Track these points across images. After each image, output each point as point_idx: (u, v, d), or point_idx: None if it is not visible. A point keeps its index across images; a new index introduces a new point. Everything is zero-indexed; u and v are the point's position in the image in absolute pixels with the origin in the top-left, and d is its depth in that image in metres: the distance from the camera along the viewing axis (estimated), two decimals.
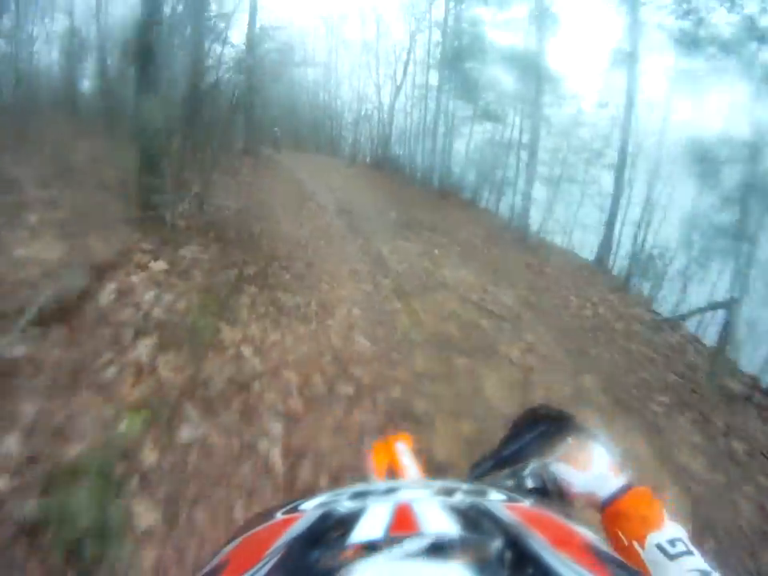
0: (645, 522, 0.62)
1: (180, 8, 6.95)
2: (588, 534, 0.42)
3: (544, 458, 0.73)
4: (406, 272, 6.33)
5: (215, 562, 0.40)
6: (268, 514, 0.46)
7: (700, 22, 11.03)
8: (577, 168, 14.52)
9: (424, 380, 3.70)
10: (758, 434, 4.46)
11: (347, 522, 0.38)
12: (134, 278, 3.65)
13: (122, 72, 8.52)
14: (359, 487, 0.48)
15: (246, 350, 3.37)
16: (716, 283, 10.44)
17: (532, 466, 0.73)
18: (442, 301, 5.54)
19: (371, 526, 0.37)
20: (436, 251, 7.77)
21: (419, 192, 14.43)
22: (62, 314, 2.96)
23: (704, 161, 9.95)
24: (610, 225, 12.70)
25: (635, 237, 12.53)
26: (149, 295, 3.52)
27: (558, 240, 14.05)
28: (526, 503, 0.46)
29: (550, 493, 0.70)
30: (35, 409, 2.32)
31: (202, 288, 3.96)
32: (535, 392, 3.98)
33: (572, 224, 14.32)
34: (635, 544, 0.61)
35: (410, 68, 19.41)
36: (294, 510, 0.46)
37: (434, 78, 17.84)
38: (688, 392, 5.02)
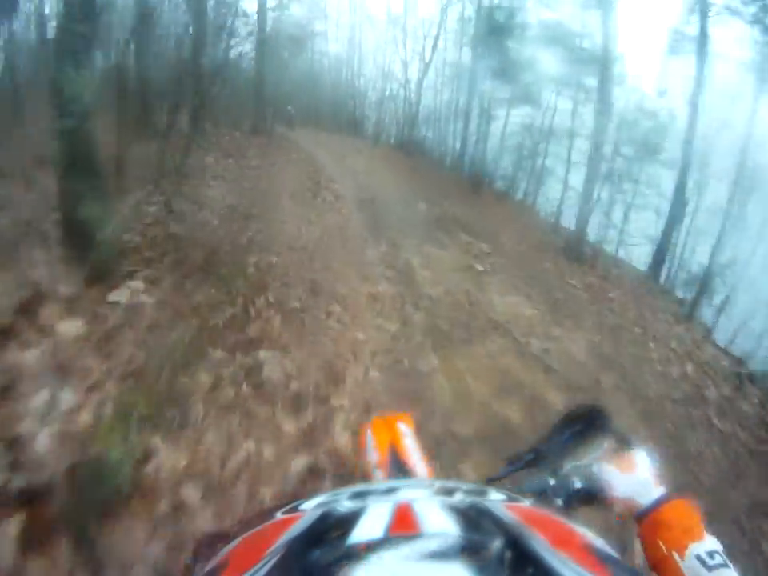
0: (686, 533, 0.62)
1: None
2: (588, 534, 0.43)
3: (581, 457, 0.72)
4: (443, 299, 4.81)
5: (215, 561, 0.41)
6: (268, 514, 0.47)
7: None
8: (631, 163, 12.61)
9: None
10: None
11: (347, 521, 0.37)
12: (27, 356, 2.25)
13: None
14: (359, 487, 0.50)
15: (191, 496, 1.87)
16: None
17: (572, 464, 0.72)
18: (494, 353, 4.00)
19: (371, 525, 0.37)
20: (478, 266, 6.19)
21: (449, 179, 12.81)
22: None
23: None
24: (667, 233, 10.94)
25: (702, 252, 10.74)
26: (39, 399, 2.07)
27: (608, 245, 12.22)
28: (526, 503, 0.49)
29: (594, 493, 0.70)
30: None
31: (134, 368, 2.48)
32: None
33: (625, 228, 12.37)
34: (674, 554, 0.61)
35: (441, 44, 17.87)
36: (294, 509, 0.47)
37: (466, 56, 16.19)
38: None
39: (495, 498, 0.46)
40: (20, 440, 1.85)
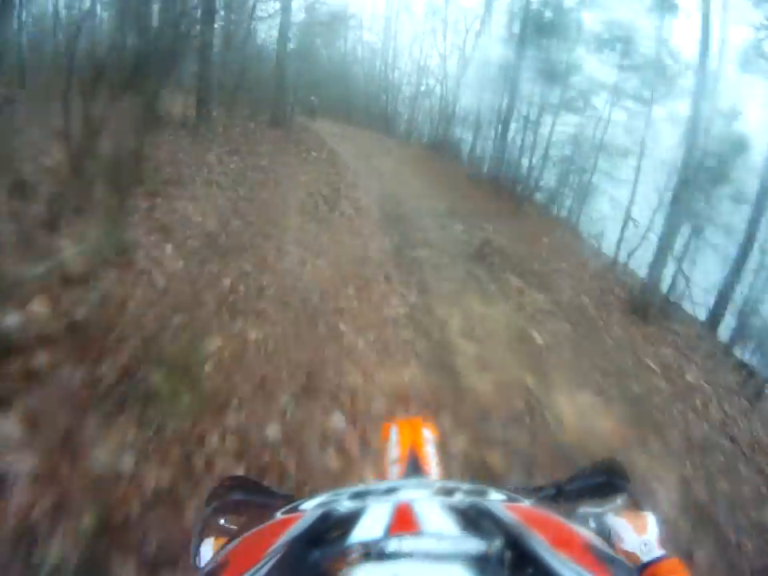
0: None
1: None
2: (588, 534, 0.43)
3: (597, 505, 0.75)
4: (495, 404, 3.24)
5: (215, 561, 0.42)
6: (268, 514, 0.48)
7: None
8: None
9: None
10: None
11: (347, 521, 0.38)
12: None
13: None
14: (359, 487, 0.49)
15: None
16: None
17: (588, 510, 0.74)
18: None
19: (371, 525, 0.37)
20: (536, 336, 4.58)
21: (488, 191, 11.31)
22: None
23: None
24: (731, 279, 9.19)
25: None
26: None
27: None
28: (526, 503, 0.48)
29: (603, 538, 0.68)
30: None
31: None
32: None
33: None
34: None
35: (483, 39, 16.40)
36: (294, 510, 0.47)
37: (511, 54, 14.70)
38: None
39: (495, 498, 0.46)
40: None
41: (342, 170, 8.75)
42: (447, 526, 0.36)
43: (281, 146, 8.60)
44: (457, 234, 6.93)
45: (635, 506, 0.75)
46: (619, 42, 12.82)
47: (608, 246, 12.60)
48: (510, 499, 0.47)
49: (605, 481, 0.77)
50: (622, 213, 12.73)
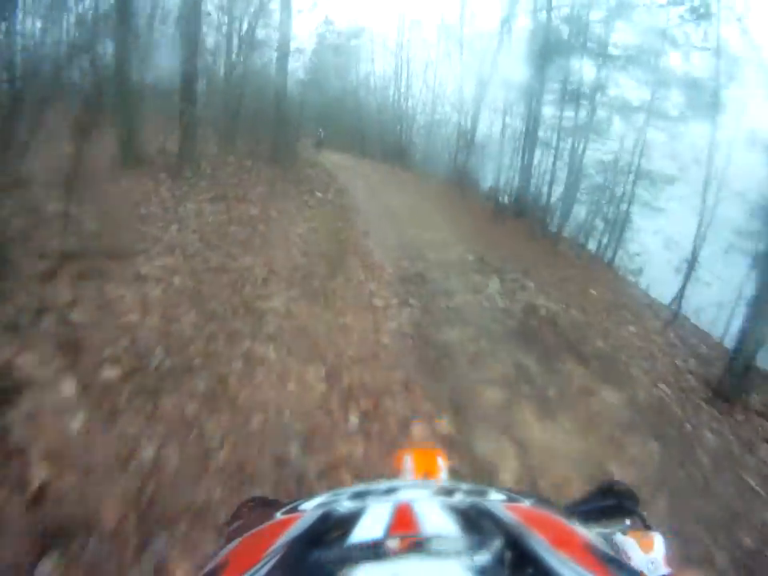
0: None
1: None
2: (588, 534, 0.43)
3: (605, 526, 0.73)
4: None
5: (215, 562, 0.40)
6: (268, 514, 0.46)
7: None
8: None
9: None
10: None
11: (347, 522, 0.37)
12: None
13: None
14: (359, 487, 0.48)
15: None
16: None
17: (597, 530, 0.71)
18: None
19: (371, 526, 0.36)
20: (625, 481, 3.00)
21: (517, 229, 10.00)
22: None
23: None
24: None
25: None
26: None
27: None
28: (526, 503, 0.47)
29: None
30: None
31: None
32: None
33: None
34: None
35: (500, 61, 15.36)
36: (294, 510, 0.46)
37: (531, 76, 13.60)
38: None
39: (495, 499, 0.45)
40: None
41: (351, 215, 7.50)
42: (447, 526, 0.35)
43: (279, 188, 7.40)
44: (493, 296, 5.53)
45: (642, 525, 0.75)
46: (653, 55, 11.57)
47: (646, 284, 11.15)
48: (510, 499, 0.46)
49: (614, 503, 0.76)
50: (661, 245, 11.29)
